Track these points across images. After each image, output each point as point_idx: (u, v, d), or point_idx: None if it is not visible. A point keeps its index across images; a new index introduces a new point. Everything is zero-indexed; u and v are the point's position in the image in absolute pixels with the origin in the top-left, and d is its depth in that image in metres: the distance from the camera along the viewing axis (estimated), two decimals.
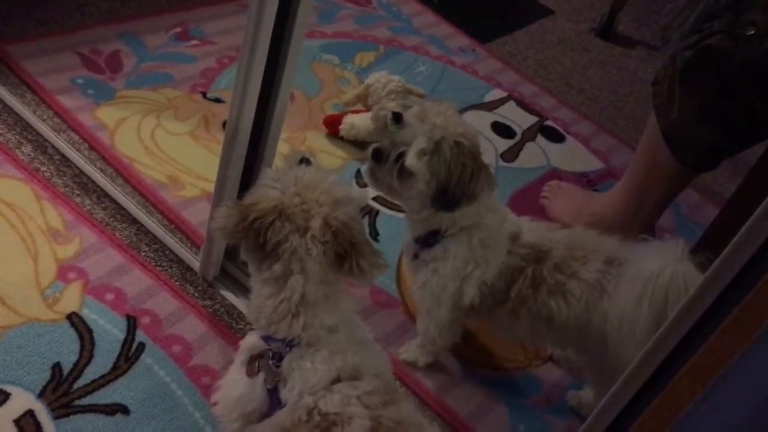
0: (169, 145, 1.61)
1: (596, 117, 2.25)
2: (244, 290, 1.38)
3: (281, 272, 0.89)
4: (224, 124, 1.68)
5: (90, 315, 1.25)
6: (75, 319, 1.23)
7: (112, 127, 1.60)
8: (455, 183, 1.16)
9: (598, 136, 2.17)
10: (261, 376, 0.91)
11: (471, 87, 2.15)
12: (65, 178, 1.47)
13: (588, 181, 1.97)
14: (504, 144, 1.99)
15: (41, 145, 1.51)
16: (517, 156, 1.97)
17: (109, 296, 1.29)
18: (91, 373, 1.17)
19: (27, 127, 1.53)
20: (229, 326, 1.33)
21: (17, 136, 1.51)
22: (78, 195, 1.45)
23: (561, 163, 2.00)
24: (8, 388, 1.12)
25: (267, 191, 0.91)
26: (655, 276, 1.10)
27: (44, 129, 1.53)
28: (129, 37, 1.84)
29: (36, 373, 1.14)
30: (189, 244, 1.43)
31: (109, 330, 1.24)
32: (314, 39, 2.08)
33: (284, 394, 0.89)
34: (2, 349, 1.16)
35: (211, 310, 1.34)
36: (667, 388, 0.83)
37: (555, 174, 1.95)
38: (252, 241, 0.90)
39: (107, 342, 1.22)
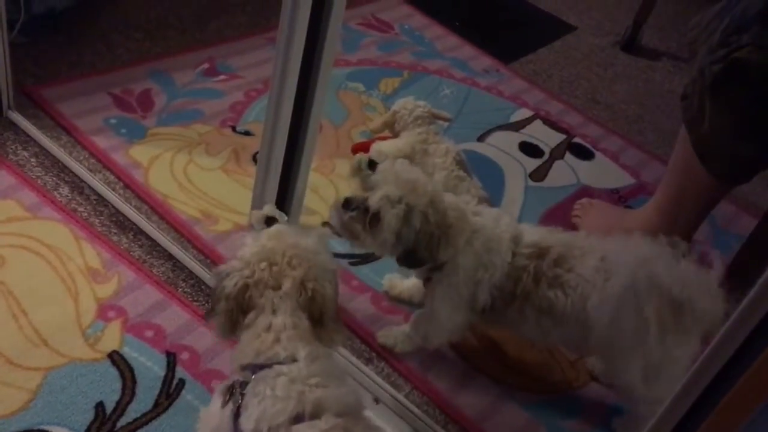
0: (202, 180, 1.64)
1: (624, 131, 2.23)
2: None
3: (253, 318, 0.95)
4: (254, 156, 1.72)
5: (131, 353, 1.27)
6: (116, 358, 1.25)
7: (145, 164, 1.63)
8: (423, 249, 1.24)
9: (627, 150, 2.15)
10: (230, 406, 0.92)
11: (497, 108, 2.16)
12: (102, 218, 1.50)
13: (619, 198, 1.96)
14: (532, 163, 1.98)
15: (78, 185, 1.54)
16: (546, 175, 1.96)
17: (149, 333, 1.31)
18: (133, 411, 1.18)
19: (64, 168, 1.57)
20: None
21: (54, 178, 1.54)
22: (115, 234, 1.47)
23: (591, 180, 1.98)
24: (54, 429, 1.13)
25: (239, 268, 0.96)
26: (637, 269, 1.18)
27: (80, 170, 1.56)
28: (158, 75, 1.88)
29: (80, 413, 1.16)
30: None
31: (150, 367, 1.25)
32: (339, 68, 2.10)
33: (243, 422, 0.89)
34: (47, 390, 1.18)
35: None
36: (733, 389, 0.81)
37: (585, 191, 1.93)
38: (236, 310, 0.96)
39: (148, 379, 1.23)
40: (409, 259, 1.27)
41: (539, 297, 1.25)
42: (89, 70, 1.84)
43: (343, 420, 0.88)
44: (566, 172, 1.99)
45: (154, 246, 1.47)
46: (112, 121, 1.72)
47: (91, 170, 1.58)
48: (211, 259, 1.48)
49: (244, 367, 0.93)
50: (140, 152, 1.66)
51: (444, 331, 1.36)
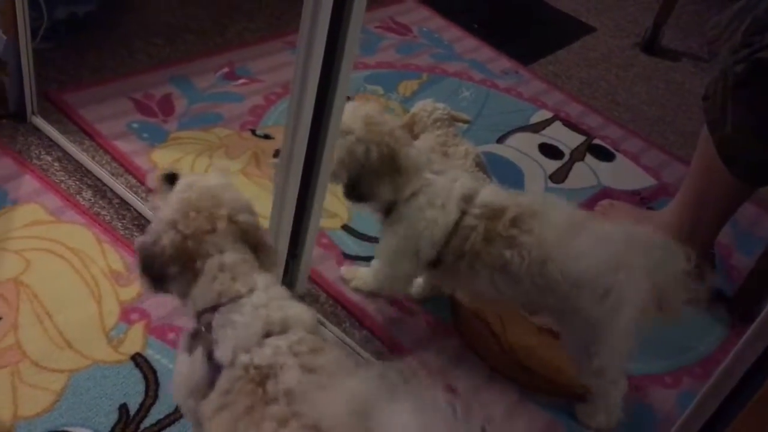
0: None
1: (645, 133, 2.22)
2: None
3: (202, 263, 0.95)
4: (275, 154, 1.73)
5: (153, 355, 1.28)
6: (139, 360, 1.26)
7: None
8: (365, 183, 1.30)
9: (648, 152, 2.13)
10: (200, 349, 0.94)
11: (516, 109, 2.15)
12: (125, 221, 1.51)
13: (641, 199, 1.94)
14: (552, 165, 1.97)
15: (100, 189, 1.56)
16: (566, 177, 1.95)
17: (171, 335, 1.31)
18: (156, 413, 1.19)
19: (87, 173, 1.59)
20: None
21: (77, 182, 1.56)
22: (137, 237, 1.48)
23: (612, 181, 1.97)
24: (78, 430, 1.14)
25: (168, 229, 0.96)
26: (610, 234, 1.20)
27: (103, 174, 1.58)
28: (179, 80, 1.90)
29: (104, 415, 1.17)
30: None
31: (173, 369, 1.26)
32: (358, 71, 2.10)
33: (219, 356, 0.91)
34: (71, 392, 1.19)
35: None
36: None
37: (606, 193, 1.92)
38: (182, 269, 0.96)
39: (171, 381, 1.24)
40: (351, 192, 1.32)
41: (491, 255, 1.26)
42: (111, 75, 1.85)
43: (310, 335, 0.92)
44: (586, 173, 1.98)
45: None
46: (134, 125, 1.73)
47: (113, 174, 1.60)
48: None
49: (205, 311, 0.95)
50: (162, 156, 1.67)
51: (393, 278, 1.40)
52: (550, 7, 2.76)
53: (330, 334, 1.39)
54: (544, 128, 2.10)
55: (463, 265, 1.30)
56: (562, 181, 1.93)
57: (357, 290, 1.48)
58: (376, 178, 1.30)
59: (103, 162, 1.62)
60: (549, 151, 2.02)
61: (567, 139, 2.08)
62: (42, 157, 1.60)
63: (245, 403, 0.86)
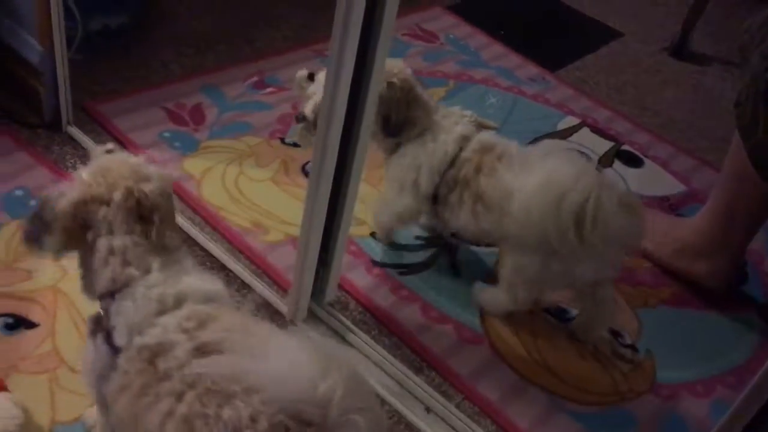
0: (252, 192, 1.67)
1: (674, 138, 2.20)
2: (332, 332, 1.41)
3: (92, 238, 0.96)
4: (303, 167, 1.75)
5: None
6: None
7: (198, 177, 1.67)
8: (395, 114, 1.44)
9: (677, 157, 2.12)
10: (100, 335, 0.96)
11: (543, 116, 2.15)
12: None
13: (670, 205, 1.93)
14: None
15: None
16: None
17: None
18: None
19: None
20: None
21: None
22: None
23: (640, 187, 1.96)
24: None
25: (75, 187, 0.97)
26: (572, 182, 1.26)
27: None
28: (209, 89, 1.93)
29: None
30: (276, 288, 1.47)
31: None
32: None
33: (117, 339, 0.93)
34: None
35: None
36: None
37: None
38: (71, 232, 0.96)
39: None
40: (387, 126, 1.46)
41: (476, 183, 1.41)
42: (143, 85, 1.89)
43: (205, 305, 0.93)
44: (615, 179, 1.97)
45: (207, 256, 1.50)
46: (166, 134, 1.76)
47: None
48: (262, 269, 1.51)
49: (103, 296, 0.97)
50: (193, 165, 1.70)
51: (393, 214, 1.55)
52: (577, 12, 2.75)
53: (359, 341, 1.40)
54: (571, 134, 2.10)
55: (454, 197, 1.44)
56: None
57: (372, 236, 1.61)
58: (404, 105, 1.45)
59: None
60: None
61: (595, 145, 2.07)
62: (78, 166, 1.63)
63: (139, 382, 0.89)
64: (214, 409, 0.82)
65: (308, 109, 1.43)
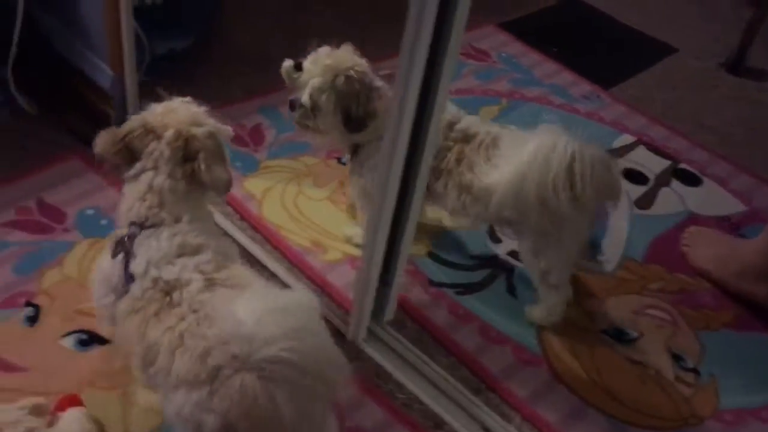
0: (311, 211, 1.70)
1: (733, 156, 2.16)
2: (391, 352, 1.43)
3: (139, 169, 1.11)
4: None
5: None
6: None
7: (259, 196, 1.71)
8: (354, 106, 1.43)
9: (736, 176, 2.08)
10: (121, 255, 1.09)
11: (598, 134, 2.13)
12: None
13: (731, 225, 1.89)
14: (637, 191, 1.95)
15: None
16: (652, 203, 1.92)
17: None
18: None
19: None
20: (378, 387, 1.37)
21: None
22: None
23: (699, 207, 1.93)
24: None
25: (136, 118, 1.14)
26: (549, 149, 1.32)
27: None
28: (268, 110, 1.97)
29: None
30: (336, 307, 1.50)
31: None
32: None
33: (133, 267, 1.06)
34: None
35: (360, 371, 1.39)
36: None
37: (694, 219, 1.89)
38: (125, 154, 1.12)
39: None
40: (350, 122, 1.45)
41: (459, 175, 1.43)
42: (205, 106, 1.94)
43: (220, 256, 1.07)
44: (673, 199, 1.95)
45: (270, 275, 1.54)
46: (228, 154, 1.81)
47: (210, 202, 1.67)
48: (322, 288, 1.53)
49: (133, 224, 1.09)
50: (254, 184, 1.74)
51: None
52: (630, 28, 2.73)
53: (418, 361, 1.41)
54: (627, 153, 2.08)
55: (440, 186, 1.46)
56: (648, 207, 1.90)
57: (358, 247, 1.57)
58: (364, 98, 1.44)
59: None
60: (633, 176, 2.00)
61: (651, 164, 2.05)
62: None
63: (153, 308, 1.02)
64: (204, 329, 0.96)
65: (305, 96, 1.45)
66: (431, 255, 1.66)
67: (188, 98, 1.20)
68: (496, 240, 1.72)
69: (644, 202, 1.92)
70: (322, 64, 1.44)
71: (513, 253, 1.69)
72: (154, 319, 1.02)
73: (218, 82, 2.04)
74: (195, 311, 0.99)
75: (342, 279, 1.55)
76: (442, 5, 1.07)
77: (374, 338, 1.45)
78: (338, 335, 1.45)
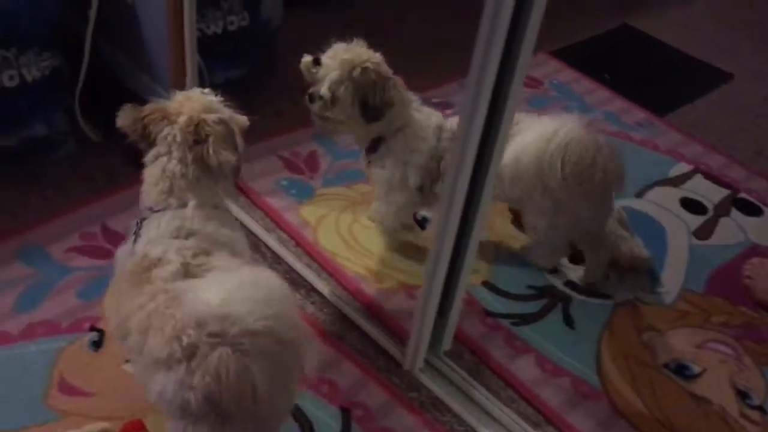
0: (366, 238, 1.71)
1: None
2: (449, 383, 1.42)
3: (155, 154, 1.16)
4: (414, 215, 1.78)
5: (308, 407, 1.33)
6: (296, 412, 1.31)
7: (314, 224, 1.73)
8: (371, 96, 1.48)
9: None
10: (132, 237, 1.16)
11: (654, 162, 2.11)
12: (277, 274, 1.58)
13: None
14: (696, 221, 1.91)
15: (255, 244, 1.66)
16: (711, 233, 1.88)
17: (324, 388, 1.37)
18: None
19: (242, 227, 1.69)
20: (435, 419, 1.36)
21: None
22: (289, 289, 1.56)
23: (761, 237, 1.88)
24: None
25: (156, 103, 1.19)
26: (553, 132, 1.46)
27: (257, 229, 1.68)
28: (322, 137, 1.99)
29: None
30: (391, 336, 1.49)
31: (328, 423, 1.31)
32: None
33: (137, 247, 1.12)
34: None
35: (417, 402, 1.38)
36: None
37: (756, 250, 1.84)
38: (141, 133, 1.17)
39: None
40: (367, 111, 1.49)
41: None
42: (261, 134, 1.97)
43: (206, 243, 1.11)
44: (733, 229, 1.91)
45: (325, 303, 1.55)
46: (283, 182, 1.83)
47: (266, 229, 1.69)
48: (377, 316, 1.53)
49: (147, 208, 1.16)
50: (309, 212, 1.76)
51: (389, 212, 1.63)
52: (684, 54, 2.70)
53: (476, 393, 1.40)
54: (684, 182, 2.05)
55: (438, 186, 1.52)
56: (708, 237, 1.86)
57: (381, 232, 1.69)
58: (380, 88, 1.49)
59: (257, 217, 1.72)
60: (691, 205, 1.96)
61: (710, 193, 2.01)
62: None
63: (131, 280, 1.07)
64: (172, 310, 0.99)
65: (324, 88, 1.49)
66: (486, 284, 1.64)
67: (207, 89, 1.26)
68: (552, 270, 1.70)
69: (703, 233, 1.88)
70: (339, 58, 1.49)
71: (570, 284, 1.67)
72: (129, 292, 1.06)
73: (273, 111, 2.07)
74: (165, 291, 1.03)
75: (397, 307, 1.55)
76: (511, 32, 1.07)
77: (431, 369, 1.44)
78: (394, 364, 1.44)
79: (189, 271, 1.06)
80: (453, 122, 1.53)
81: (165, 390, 0.97)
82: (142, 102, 1.27)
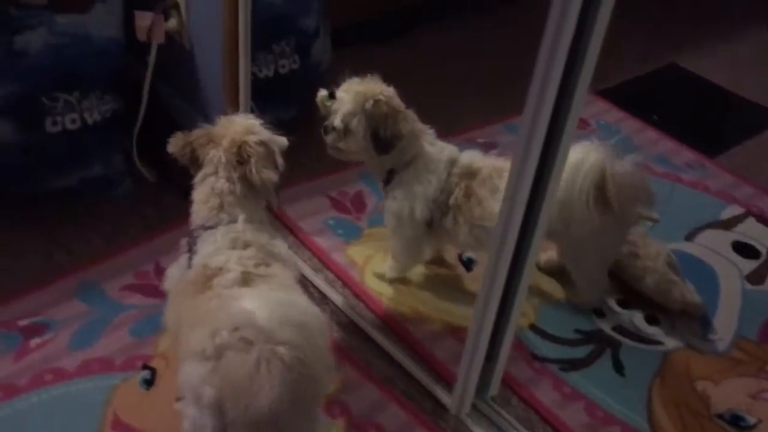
0: (412, 280, 1.71)
1: None
2: (495, 428, 1.40)
3: (203, 175, 1.25)
4: (459, 255, 1.78)
5: None
6: None
7: (361, 264, 1.74)
8: (382, 128, 1.50)
9: None
10: (186, 255, 1.23)
11: (704, 204, 2.07)
12: (325, 315, 1.60)
13: None
14: (749, 265, 1.87)
15: (303, 283, 1.66)
16: (765, 278, 1.84)
17: None
18: None
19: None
20: None
21: None
22: (337, 331, 1.57)
23: None
24: None
25: (203, 129, 1.29)
26: (580, 161, 1.47)
27: (305, 268, 1.70)
28: (368, 177, 2.01)
29: None
30: (438, 379, 1.49)
31: None
32: None
33: (193, 262, 1.19)
34: None
35: None
36: None
37: None
38: (190, 156, 1.26)
39: None
40: (378, 143, 1.52)
41: (470, 210, 1.51)
42: (308, 174, 2.01)
43: (263, 254, 1.18)
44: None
45: (372, 344, 1.55)
46: (331, 222, 1.86)
47: (314, 269, 1.71)
48: (424, 359, 1.53)
49: (199, 227, 1.23)
50: (356, 252, 1.77)
51: (400, 248, 1.64)
52: (733, 94, 2.66)
53: None
54: (736, 225, 2.01)
55: (449, 220, 1.53)
56: (761, 282, 1.82)
57: (392, 281, 1.69)
58: (392, 120, 1.51)
59: (305, 257, 1.75)
60: (744, 249, 1.92)
61: (763, 237, 1.97)
62: None
63: (192, 289, 1.13)
64: (220, 312, 1.05)
65: (337, 120, 1.53)
66: (534, 328, 1.63)
67: (251, 114, 1.36)
68: (600, 314, 1.68)
69: (757, 278, 1.84)
70: (353, 92, 1.52)
71: (618, 329, 1.64)
72: (189, 297, 1.13)
73: (320, 151, 2.08)
74: (220, 296, 1.09)
75: (444, 350, 1.55)
76: (565, 74, 1.08)
77: (479, 414, 1.43)
78: (441, 408, 1.44)
79: (249, 279, 1.13)
80: (467, 156, 1.56)
81: (190, 379, 1.03)
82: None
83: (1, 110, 1.57)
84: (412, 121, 1.55)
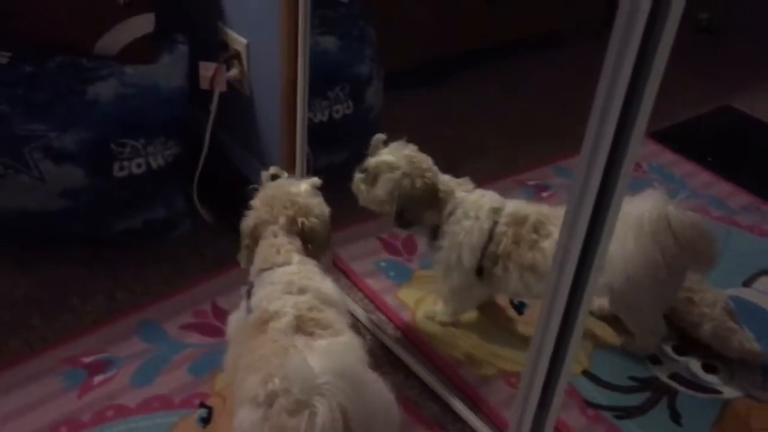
0: (464, 323, 1.72)
1: None
2: None
3: (261, 241, 1.32)
4: (511, 300, 1.78)
5: None
6: None
7: (412, 306, 1.76)
8: (408, 212, 1.55)
9: None
10: (246, 299, 1.27)
11: (762, 249, 2.03)
12: (375, 357, 1.62)
13: None
14: None
15: (354, 325, 1.69)
16: None
17: None
18: None
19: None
20: None
21: None
22: (389, 373, 1.58)
23: None
24: None
25: (252, 213, 1.36)
26: (642, 216, 1.47)
27: (357, 310, 1.72)
28: None
29: None
30: (490, 424, 1.48)
31: None
32: None
33: (251, 304, 1.23)
34: None
35: None
36: None
37: None
38: (252, 243, 1.35)
39: None
40: (399, 219, 1.56)
41: (520, 256, 1.50)
42: (360, 216, 2.03)
43: (317, 299, 1.20)
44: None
45: (423, 387, 1.56)
46: (382, 264, 1.88)
47: (365, 311, 1.73)
48: (476, 404, 1.53)
49: (256, 272, 1.28)
50: (407, 294, 1.79)
51: (451, 295, 1.64)
52: None
53: None
54: None
55: (499, 269, 1.53)
56: None
57: (442, 324, 1.70)
58: (420, 205, 1.55)
59: (357, 299, 1.77)
60: None
61: None
62: None
63: (251, 332, 1.17)
64: (277, 359, 1.07)
65: (372, 163, 1.57)
66: (587, 374, 1.61)
67: (273, 169, 1.46)
68: (655, 361, 1.65)
69: None
70: (403, 153, 1.56)
71: (675, 376, 1.61)
72: (247, 340, 1.17)
73: None
74: (275, 341, 1.11)
75: (496, 395, 1.54)
76: (622, 118, 1.09)
77: None
78: None
79: (302, 324, 1.16)
80: (512, 205, 1.56)
81: (243, 424, 1.05)
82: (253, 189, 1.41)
83: (74, 156, 1.66)
84: (444, 183, 1.57)
